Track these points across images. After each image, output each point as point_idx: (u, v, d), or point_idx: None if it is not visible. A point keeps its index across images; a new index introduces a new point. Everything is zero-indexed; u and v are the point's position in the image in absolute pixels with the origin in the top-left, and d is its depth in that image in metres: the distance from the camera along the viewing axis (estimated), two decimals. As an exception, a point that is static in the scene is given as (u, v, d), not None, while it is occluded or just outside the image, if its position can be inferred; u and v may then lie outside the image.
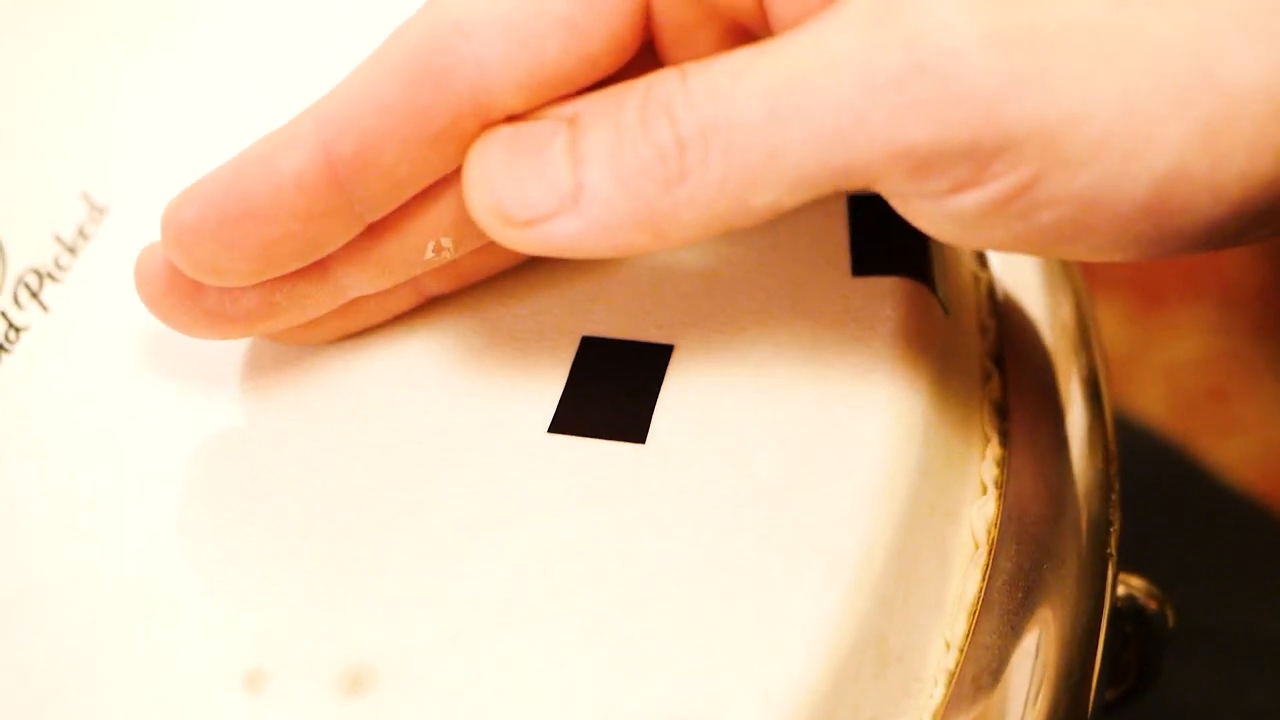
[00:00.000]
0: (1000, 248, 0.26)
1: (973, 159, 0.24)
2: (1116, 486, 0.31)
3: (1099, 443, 0.32)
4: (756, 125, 0.24)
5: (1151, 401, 1.15)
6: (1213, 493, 0.54)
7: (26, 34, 0.39)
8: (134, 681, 0.26)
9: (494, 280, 0.31)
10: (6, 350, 0.31)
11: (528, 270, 0.31)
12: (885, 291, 0.30)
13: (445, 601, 0.26)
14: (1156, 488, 0.52)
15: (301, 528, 0.28)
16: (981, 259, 0.34)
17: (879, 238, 0.31)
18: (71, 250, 0.33)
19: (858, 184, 0.25)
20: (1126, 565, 0.33)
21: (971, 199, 0.24)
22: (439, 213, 0.29)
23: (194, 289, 0.28)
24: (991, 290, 0.33)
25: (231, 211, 0.27)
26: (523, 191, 0.25)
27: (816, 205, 0.31)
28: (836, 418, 0.28)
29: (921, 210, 0.25)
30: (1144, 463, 0.53)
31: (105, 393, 0.31)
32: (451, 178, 0.28)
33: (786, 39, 0.25)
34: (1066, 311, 0.37)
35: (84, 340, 0.31)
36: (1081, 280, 0.38)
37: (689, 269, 0.31)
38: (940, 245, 0.32)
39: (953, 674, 0.27)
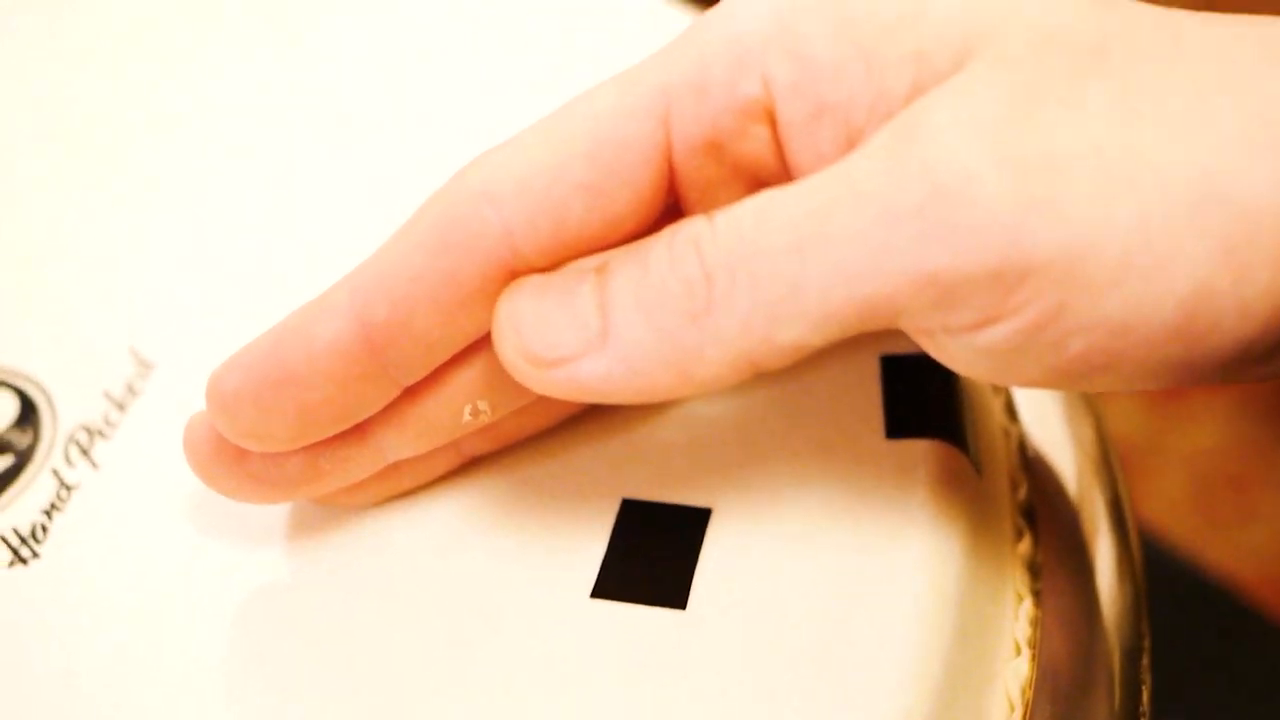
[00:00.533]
0: (1036, 384, 0.26)
1: (996, 286, 0.24)
2: (1147, 632, 0.32)
3: (1127, 577, 0.32)
4: (780, 258, 0.25)
5: (1170, 489, 1.15)
6: (1231, 610, 0.54)
7: (75, 188, 0.40)
8: None
9: (534, 441, 0.32)
10: (59, 509, 0.32)
11: (567, 431, 0.32)
12: (919, 454, 0.30)
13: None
14: (1180, 614, 0.52)
15: (347, 692, 0.28)
16: (1011, 412, 0.35)
17: (912, 400, 0.31)
18: (120, 407, 0.34)
19: (885, 319, 0.25)
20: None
21: (1001, 332, 0.25)
22: (474, 376, 0.29)
23: (239, 455, 0.29)
24: (1022, 445, 0.34)
25: (271, 378, 0.28)
26: (549, 332, 0.26)
27: (851, 368, 0.32)
28: (872, 585, 0.29)
29: (953, 349, 0.26)
30: (1166, 589, 0.54)
31: (154, 554, 0.31)
32: (484, 341, 0.29)
33: (809, 179, 0.25)
34: (1087, 433, 0.38)
35: (133, 499, 0.32)
36: (1098, 400, 0.39)
37: (725, 430, 0.31)
38: (972, 405, 0.32)
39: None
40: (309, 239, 0.38)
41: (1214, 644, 0.52)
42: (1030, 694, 0.30)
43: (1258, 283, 0.24)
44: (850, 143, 0.26)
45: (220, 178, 0.40)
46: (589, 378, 0.26)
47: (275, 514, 0.31)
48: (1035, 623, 0.31)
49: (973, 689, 0.29)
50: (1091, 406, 0.37)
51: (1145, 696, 0.31)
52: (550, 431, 0.32)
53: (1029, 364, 0.25)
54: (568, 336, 0.26)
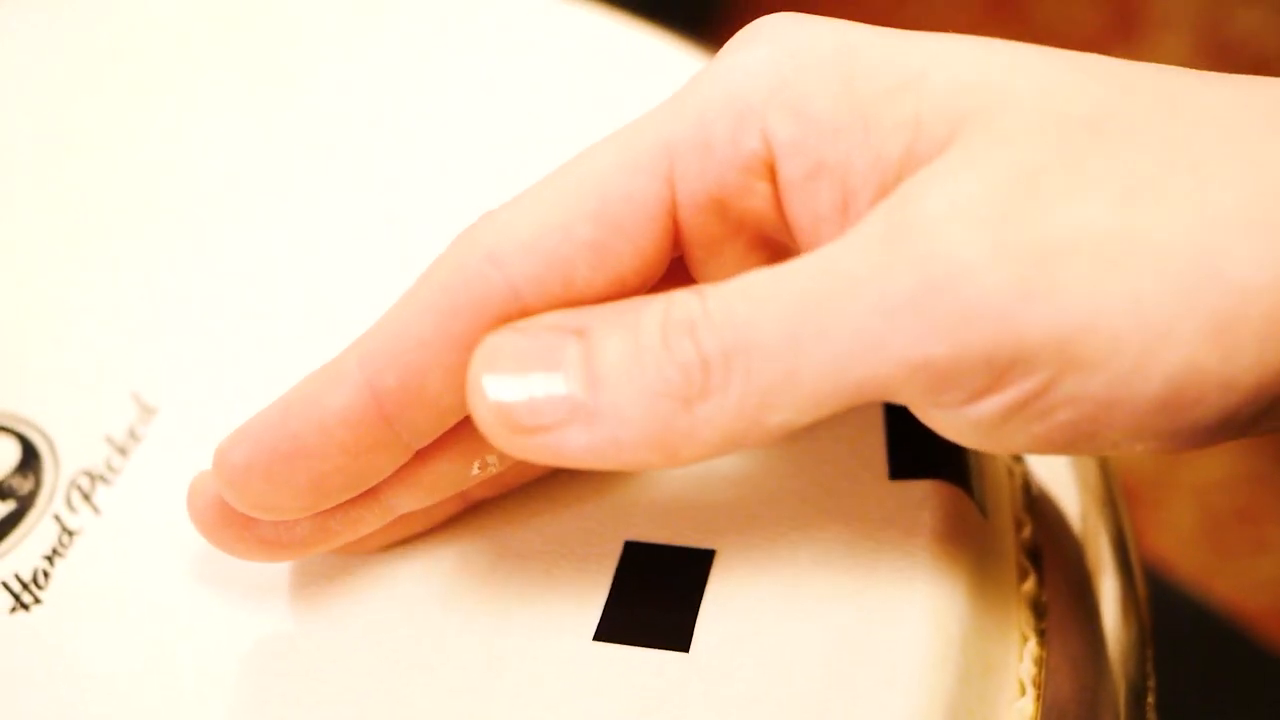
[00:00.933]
0: (1022, 450, 0.26)
1: (989, 371, 0.24)
2: (1153, 672, 0.32)
3: (1132, 615, 0.32)
4: (777, 349, 0.25)
5: (1180, 522, 1.15)
6: (1239, 645, 0.54)
7: (78, 233, 0.40)
8: None
9: (536, 483, 0.32)
10: (61, 555, 0.32)
11: (569, 474, 0.32)
12: (922, 496, 0.30)
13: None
14: (1187, 649, 0.52)
15: None
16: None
17: (915, 442, 0.31)
18: (122, 452, 0.34)
19: (874, 398, 0.25)
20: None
21: (989, 406, 0.25)
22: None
23: (248, 521, 0.29)
24: (1026, 484, 0.34)
25: (281, 451, 0.28)
26: (531, 399, 0.26)
27: (854, 410, 0.31)
28: (876, 627, 0.28)
29: (942, 420, 0.26)
30: (1174, 625, 0.54)
31: (157, 600, 0.31)
32: None
33: (803, 262, 0.25)
34: (1091, 471, 0.38)
35: (135, 545, 0.32)
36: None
37: (729, 473, 0.31)
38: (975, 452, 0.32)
39: None
40: (313, 284, 0.38)
41: (1222, 679, 0.51)
42: (1036, 733, 0.29)
43: (1244, 359, 0.24)
44: (845, 205, 0.26)
45: (223, 223, 0.40)
46: (572, 448, 0.26)
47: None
48: (1040, 662, 0.30)
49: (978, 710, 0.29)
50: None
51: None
52: (553, 476, 0.32)
53: (1016, 433, 0.25)
54: (552, 405, 0.26)
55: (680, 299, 0.26)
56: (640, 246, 0.27)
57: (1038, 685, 0.30)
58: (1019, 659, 0.30)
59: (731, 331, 0.25)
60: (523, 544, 0.31)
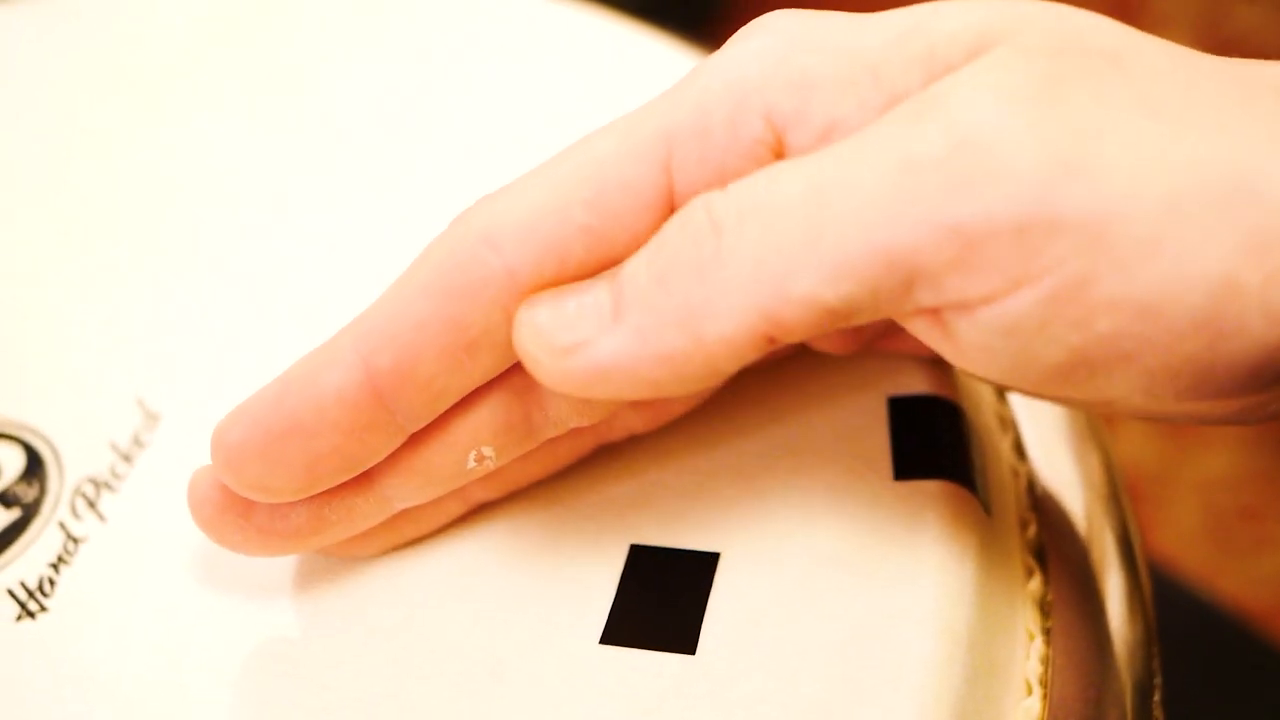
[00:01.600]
0: (1053, 382, 0.25)
1: (1022, 243, 0.23)
2: (1159, 670, 0.32)
3: (1138, 613, 0.32)
4: (795, 204, 0.24)
5: (1184, 519, 1.15)
6: (1243, 642, 0.54)
7: (81, 241, 0.40)
8: None
9: (540, 487, 0.32)
10: (66, 563, 0.32)
11: (574, 477, 0.32)
12: (927, 496, 0.30)
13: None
14: (1192, 646, 0.52)
15: None
16: (1019, 451, 0.35)
17: (920, 441, 0.31)
18: (127, 459, 0.34)
19: (902, 279, 0.24)
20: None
21: (1023, 303, 0.24)
22: (479, 422, 0.29)
23: (245, 509, 0.29)
24: (1031, 483, 0.34)
25: (276, 429, 0.28)
26: (565, 320, 0.26)
27: (857, 410, 0.32)
28: (882, 628, 0.28)
29: (971, 334, 0.25)
30: (1179, 622, 0.54)
31: (163, 607, 0.31)
32: (488, 387, 0.29)
33: (850, 141, 0.25)
34: (1096, 469, 0.38)
35: (141, 552, 0.32)
36: (1106, 433, 0.39)
37: (732, 474, 0.31)
38: (980, 445, 0.32)
39: None
40: (316, 286, 0.38)
41: (1226, 676, 0.51)
42: (1043, 729, 0.29)
43: None
44: None
45: (226, 227, 0.40)
46: (605, 357, 0.25)
47: (284, 566, 0.31)
48: (1046, 661, 0.30)
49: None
50: (1099, 440, 0.37)
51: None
52: (557, 478, 0.32)
53: (1050, 347, 0.24)
54: (583, 321, 0.26)
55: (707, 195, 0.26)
56: (636, 233, 0.27)
57: (1044, 684, 0.30)
58: (1025, 658, 0.30)
59: (748, 194, 0.25)
60: (526, 545, 0.31)
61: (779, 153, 0.27)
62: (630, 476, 0.32)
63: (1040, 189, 0.23)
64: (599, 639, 0.29)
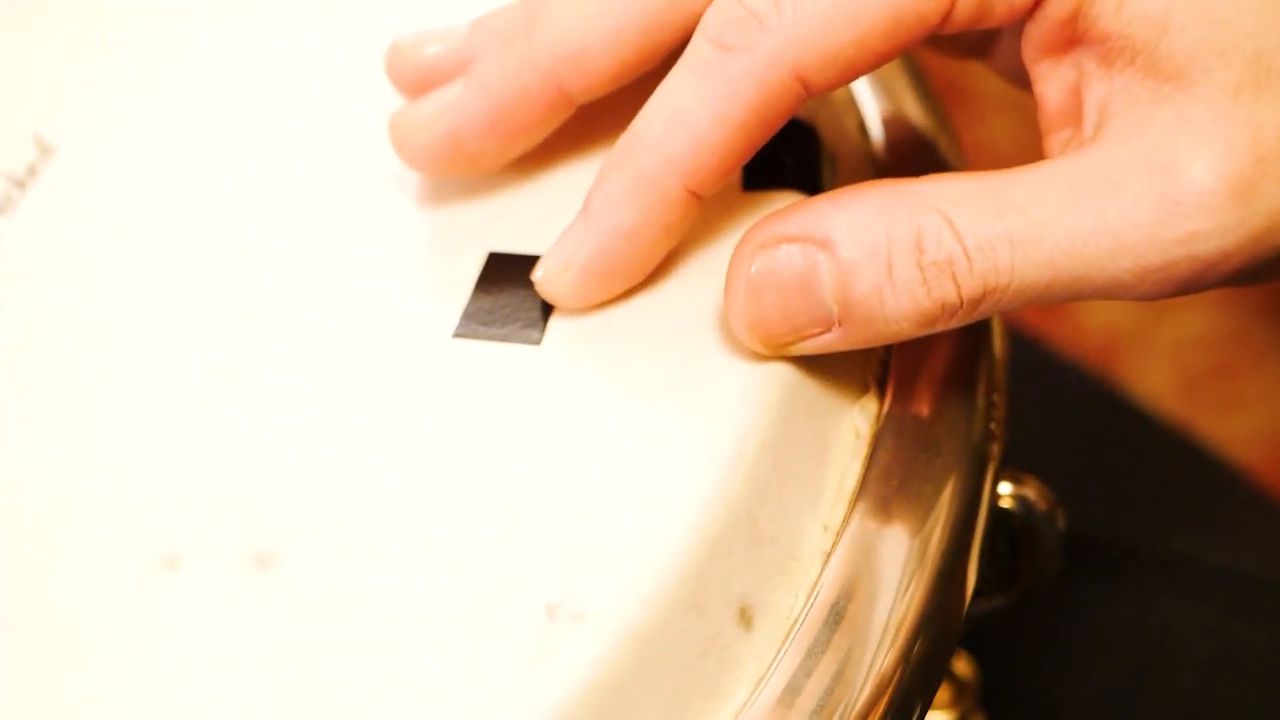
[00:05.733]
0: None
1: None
2: (1002, 386, 0.33)
3: (984, 339, 0.33)
4: (1035, 289, 0.28)
5: (1158, 378, 1.16)
6: (1135, 421, 0.55)
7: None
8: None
9: (408, 190, 0.34)
10: None
11: (442, 193, 0.33)
12: (774, 203, 0.32)
13: (347, 486, 0.28)
14: (1082, 421, 0.53)
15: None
16: (873, 161, 0.36)
17: (769, 153, 0.32)
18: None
19: None
20: (1044, 483, 0.35)
21: None
22: None
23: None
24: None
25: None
26: (792, 325, 0.29)
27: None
28: (720, 323, 0.30)
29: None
30: (1072, 397, 0.55)
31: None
32: None
33: (1065, 187, 0.28)
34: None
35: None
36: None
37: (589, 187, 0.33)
38: (834, 166, 0.33)
39: (828, 554, 0.29)
40: (222, 29, 0.39)
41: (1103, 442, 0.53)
42: (876, 427, 0.31)
43: None
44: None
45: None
46: (823, 346, 0.29)
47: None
48: (885, 364, 0.32)
49: (816, 420, 0.30)
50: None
51: (997, 439, 0.32)
52: (428, 195, 0.33)
53: None
54: (810, 324, 0.29)
55: (930, 232, 0.27)
56: None
57: (881, 384, 0.31)
58: (865, 360, 0.32)
59: (995, 278, 0.27)
60: (397, 252, 0.32)
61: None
62: (495, 192, 0.33)
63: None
64: (452, 334, 0.31)
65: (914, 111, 0.37)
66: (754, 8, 0.28)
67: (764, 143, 0.29)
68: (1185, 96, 0.28)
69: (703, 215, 0.31)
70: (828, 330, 0.28)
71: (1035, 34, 0.29)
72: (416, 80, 0.33)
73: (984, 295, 0.28)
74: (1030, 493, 0.34)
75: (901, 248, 0.28)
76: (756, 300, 0.28)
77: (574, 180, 0.33)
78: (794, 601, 0.29)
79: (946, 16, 0.28)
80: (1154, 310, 1.18)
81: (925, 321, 0.28)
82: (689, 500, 0.28)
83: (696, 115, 0.29)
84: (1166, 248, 0.27)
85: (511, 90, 0.31)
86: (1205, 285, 0.28)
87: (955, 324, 0.28)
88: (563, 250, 0.30)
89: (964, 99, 1.05)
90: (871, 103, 0.37)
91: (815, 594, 0.29)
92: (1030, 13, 0.29)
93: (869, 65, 0.29)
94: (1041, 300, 0.28)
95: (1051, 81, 0.30)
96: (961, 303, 0.28)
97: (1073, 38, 0.29)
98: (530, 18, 0.31)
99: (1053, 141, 0.30)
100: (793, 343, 0.29)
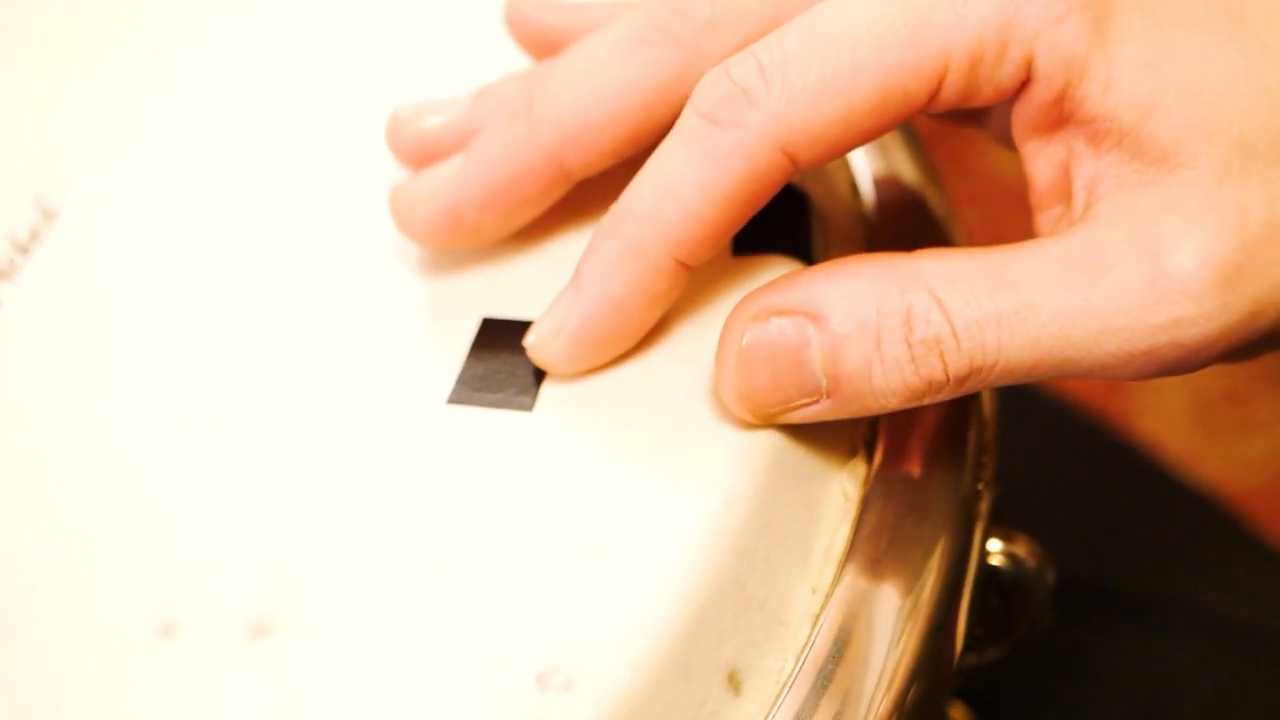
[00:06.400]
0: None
1: None
2: (991, 446, 0.33)
3: (974, 398, 0.34)
4: (1020, 371, 0.28)
5: (1170, 402, 1.16)
6: (1133, 463, 0.56)
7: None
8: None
9: (395, 263, 0.34)
10: None
11: (438, 259, 0.34)
12: (764, 268, 0.32)
13: (340, 554, 0.29)
14: (1079, 464, 0.53)
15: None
16: (872, 245, 0.36)
17: (758, 216, 0.33)
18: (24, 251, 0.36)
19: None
20: (1044, 538, 0.35)
21: None
22: None
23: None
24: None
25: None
26: (781, 397, 0.29)
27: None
28: (709, 384, 0.30)
29: None
30: (1070, 440, 0.55)
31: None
32: None
33: (1053, 267, 0.28)
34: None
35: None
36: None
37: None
38: (819, 225, 0.34)
39: (817, 617, 0.29)
40: (228, 91, 0.39)
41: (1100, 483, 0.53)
42: (865, 490, 0.31)
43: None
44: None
45: (137, 29, 0.41)
46: (810, 417, 0.30)
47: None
48: (876, 426, 0.32)
49: (804, 483, 0.31)
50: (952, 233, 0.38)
51: (985, 498, 0.32)
52: (421, 263, 0.34)
53: None
54: (801, 395, 0.29)
55: (920, 310, 0.28)
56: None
57: (871, 447, 0.32)
58: (854, 422, 0.32)
59: (981, 358, 0.28)
60: (389, 319, 0.33)
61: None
62: (490, 261, 0.34)
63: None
64: (447, 400, 0.31)
65: (905, 170, 0.37)
66: (743, 83, 0.29)
67: (753, 214, 0.30)
68: (1172, 179, 0.28)
69: (692, 279, 0.31)
70: (817, 401, 0.29)
71: (1023, 113, 0.30)
72: (418, 151, 0.33)
73: (970, 374, 0.28)
74: (1020, 549, 0.34)
75: (891, 324, 0.28)
76: (747, 371, 0.29)
77: (568, 247, 0.33)
78: (783, 665, 0.29)
79: (933, 96, 0.28)
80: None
81: (912, 397, 0.28)
82: (677, 566, 0.28)
83: (687, 188, 0.29)
84: (1151, 333, 0.27)
85: (512, 166, 0.32)
86: (1191, 367, 0.28)
87: (941, 399, 0.29)
88: (554, 318, 0.30)
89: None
90: (863, 162, 0.37)
91: (804, 657, 0.29)
92: (1017, 93, 0.29)
93: (856, 142, 0.29)
94: (1028, 378, 0.28)
95: (1041, 160, 0.30)
96: (948, 380, 0.28)
97: (1060, 118, 0.29)
98: (532, 93, 0.32)
99: (1042, 219, 0.30)
100: (782, 413, 0.29)
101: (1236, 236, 0.27)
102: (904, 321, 0.28)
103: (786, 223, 0.33)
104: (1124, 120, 0.28)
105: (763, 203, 0.30)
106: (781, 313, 0.29)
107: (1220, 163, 0.28)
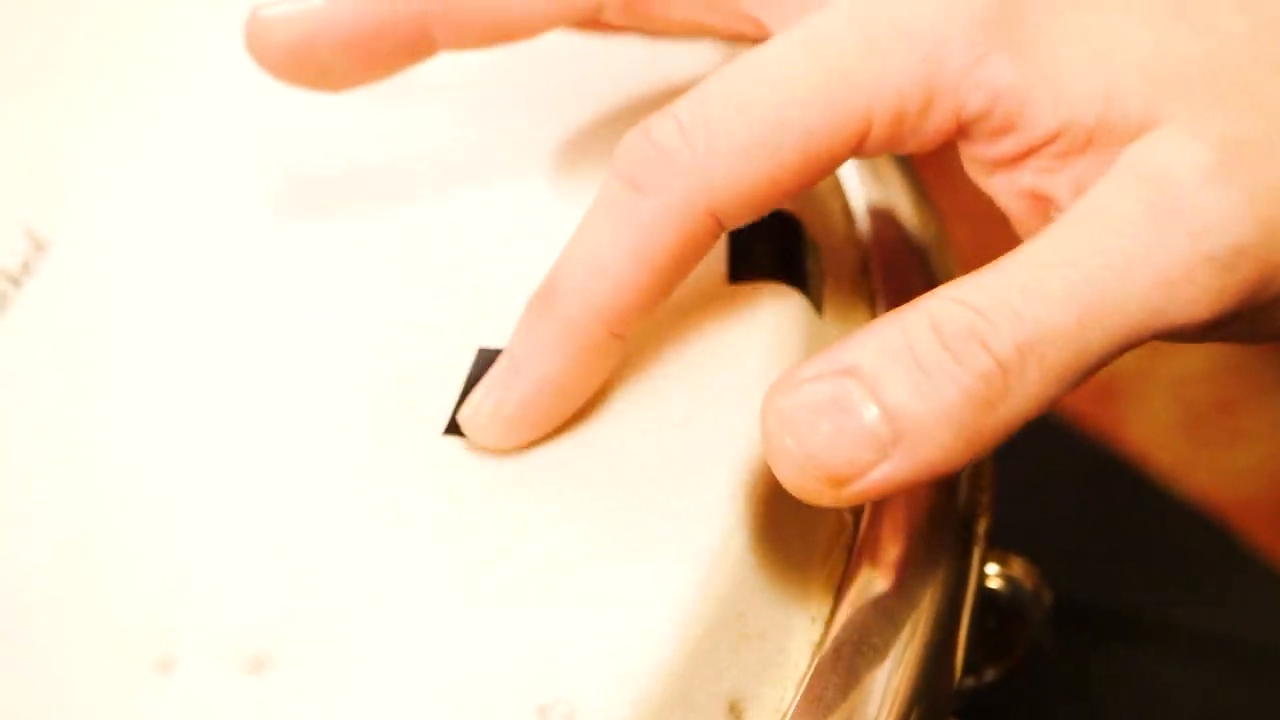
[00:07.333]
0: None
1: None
2: (988, 471, 0.33)
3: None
4: (1067, 334, 0.26)
5: (1159, 412, 1.16)
6: (1127, 482, 0.56)
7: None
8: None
9: (388, 296, 0.34)
10: None
11: (434, 286, 0.34)
12: (759, 295, 0.32)
13: (338, 588, 0.29)
14: (1073, 484, 0.53)
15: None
16: (865, 268, 0.36)
17: (755, 244, 0.33)
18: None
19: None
20: (1038, 558, 0.35)
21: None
22: None
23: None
24: (874, 296, 0.35)
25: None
26: (843, 453, 0.26)
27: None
28: (707, 412, 0.30)
29: None
30: (1064, 458, 0.55)
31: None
32: None
33: (1060, 240, 0.27)
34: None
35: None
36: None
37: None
38: (820, 257, 0.34)
39: (817, 646, 0.29)
40: (220, 120, 0.39)
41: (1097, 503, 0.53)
42: (863, 515, 0.31)
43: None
44: None
45: (127, 57, 0.41)
46: (890, 480, 0.26)
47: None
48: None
49: (801, 511, 0.30)
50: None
51: (982, 519, 0.32)
52: (414, 293, 0.34)
53: None
54: (862, 448, 0.26)
55: (942, 312, 0.27)
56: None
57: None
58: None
59: (1020, 329, 0.26)
60: (378, 353, 0.33)
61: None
62: (483, 291, 0.34)
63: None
64: (442, 430, 0.31)
65: (897, 192, 0.38)
66: (664, 145, 0.28)
67: (685, 277, 0.30)
68: (1152, 135, 0.28)
69: (689, 308, 0.31)
70: (886, 458, 0.26)
71: (977, 155, 0.29)
72: None
73: (1019, 354, 0.26)
74: (1017, 572, 0.34)
75: (920, 336, 0.26)
76: (798, 431, 0.26)
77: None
78: (783, 694, 0.29)
79: (858, 149, 0.28)
80: (1154, 345, 1.18)
81: (978, 407, 0.26)
82: (677, 597, 0.28)
83: (615, 261, 0.29)
84: (1179, 255, 0.26)
85: (378, 17, 0.32)
86: (1240, 297, 0.27)
87: (1012, 406, 0.26)
88: (489, 397, 0.30)
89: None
90: (856, 185, 0.38)
91: (803, 686, 0.29)
92: (956, 138, 0.29)
93: (782, 200, 0.29)
94: (1088, 355, 0.27)
95: (1011, 193, 0.30)
96: (1000, 368, 0.26)
97: (1019, 150, 0.29)
98: None
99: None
100: (856, 475, 0.26)
101: (1230, 143, 0.27)
102: (931, 328, 0.26)
103: (780, 250, 0.33)
104: (1086, 121, 0.28)
105: (695, 264, 0.29)
106: (812, 380, 0.27)
107: (1194, 104, 0.28)
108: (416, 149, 0.37)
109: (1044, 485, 0.51)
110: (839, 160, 0.29)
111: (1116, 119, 0.28)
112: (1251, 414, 1.16)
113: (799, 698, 0.29)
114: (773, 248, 0.33)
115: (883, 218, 0.37)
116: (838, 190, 0.37)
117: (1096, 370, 0.27)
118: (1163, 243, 0.26)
